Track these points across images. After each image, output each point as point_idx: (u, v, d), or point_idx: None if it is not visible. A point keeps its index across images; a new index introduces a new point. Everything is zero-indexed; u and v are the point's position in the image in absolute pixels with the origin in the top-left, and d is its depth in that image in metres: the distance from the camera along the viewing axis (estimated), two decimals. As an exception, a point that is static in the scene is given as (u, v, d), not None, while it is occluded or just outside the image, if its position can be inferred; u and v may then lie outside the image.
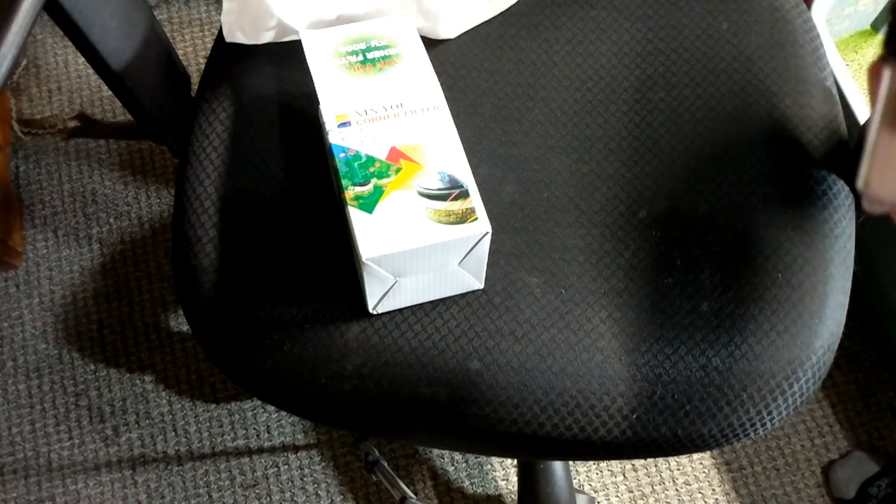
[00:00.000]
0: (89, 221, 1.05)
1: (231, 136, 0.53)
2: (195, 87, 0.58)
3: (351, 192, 0.43)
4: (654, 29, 0.57)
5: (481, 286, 0.49)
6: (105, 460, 0.94)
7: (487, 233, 0.42)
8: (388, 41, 0.49)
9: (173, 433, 0.95)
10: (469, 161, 0.53)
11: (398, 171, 0.44)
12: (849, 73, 0.86)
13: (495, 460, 0.94)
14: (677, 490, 0.93)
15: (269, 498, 0.92)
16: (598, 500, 0.92)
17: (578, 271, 0.50)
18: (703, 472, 0.94)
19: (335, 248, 0.50)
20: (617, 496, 0.93)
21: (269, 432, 0.95)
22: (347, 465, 0.94)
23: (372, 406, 0.47)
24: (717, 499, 0.92)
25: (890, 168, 0.34)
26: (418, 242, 0.41)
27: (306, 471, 0.93)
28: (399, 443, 0.94)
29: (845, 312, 0.50)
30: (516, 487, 0.88)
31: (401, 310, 0.48)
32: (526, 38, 0.57)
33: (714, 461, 0.94)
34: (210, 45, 1.12)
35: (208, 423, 0.95)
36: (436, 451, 0.94)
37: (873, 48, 1.06)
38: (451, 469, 0.93)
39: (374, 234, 0.42)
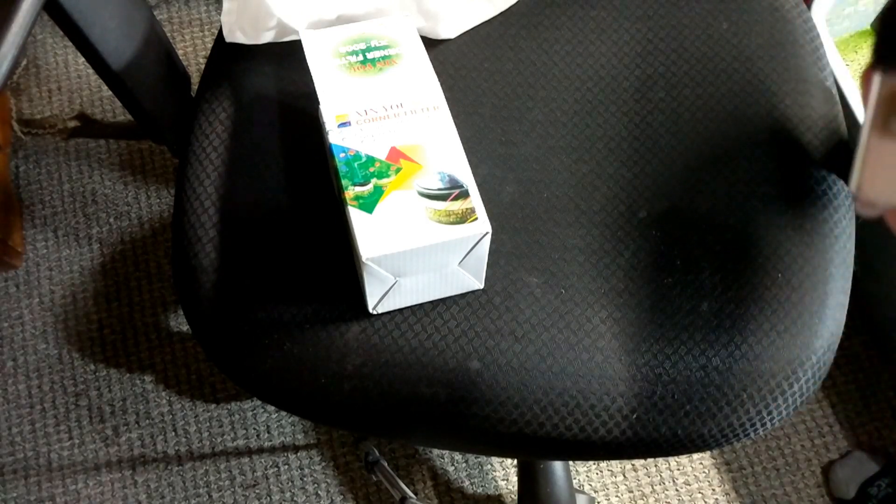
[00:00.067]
0: (89, 221, 1.05)
1: (231, 136, 0.53)
2: (195, 87, 0.58)
3: (351, 192, 0.43)
4: (654, 29, 0.57)
5: (481, 286, 0.49)
6: (105, 460, 0.94)
7: (487, 233, 0.42)
8: (388, 41, 0.49)
9: (173, 433, 0.95)
10: (469, 161, 0.53)
11: (398, 171, 0.44)
12: (849, 73, 0.86)
13: (495, 460, 0.94)
14: (677, 490, 0.93)
15: (269, 498, 0.92)
16: (598, 500, 0.92)
17: (578, 271, 0.50)
18: (703, 472, 0.94)
19: (335, 248, 0.50)
20: (617, 496, 0.93)
21: (269, 432, 0.95)
22: (347, 465, 0.94)
23: (372, 406, 0.47)
24: (717, 499, 0.92)
25: (880, 172, 0.35)
26: (418, 242, 0.41)
27: (306, 471, 0.93)
28: (399, 443, 0.94)
29: (845, 312, 0.50)
30: (516, 487, 0.88)
31: (401, 310, 0.48)
32: (526, 38, 0.57)
33: (714, 461, 0.94)
34: (210, 45, 1.12)
35: (208, 423, 0.95)
36: (436, 451, 0.94)
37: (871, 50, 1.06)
38: (451, 469, 0.93)
39: (374, 234, 0.42)
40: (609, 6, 0.58)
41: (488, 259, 0.50)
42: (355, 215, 0.42)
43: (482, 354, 0.47)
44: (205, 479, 0.93)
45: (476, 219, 0.42)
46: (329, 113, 0.46)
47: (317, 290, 0.49)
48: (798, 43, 0.56)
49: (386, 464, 0.88)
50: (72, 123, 1.07)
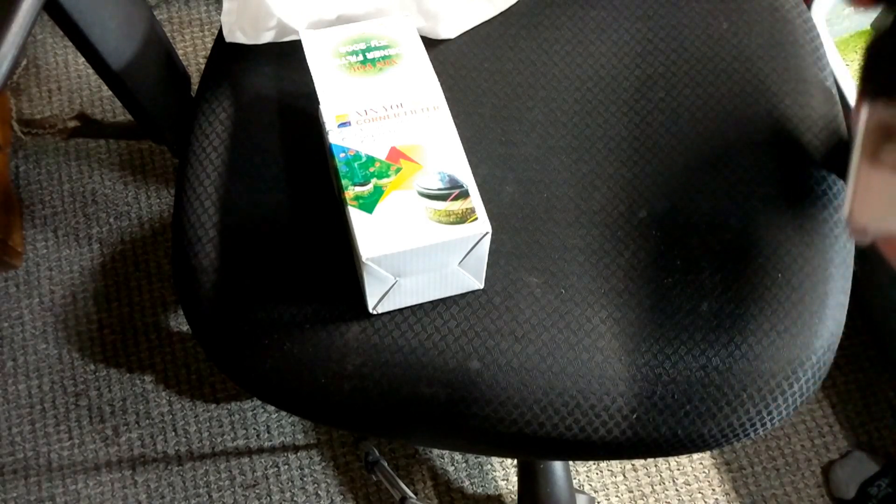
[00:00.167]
0: (89, 221, 1.05)
1: (231, 136, 0.53)
2: (195, 87, 0.58)
3: (351, 192, 0.43)
4: (654, 29, 0.57)
5: (481, 286, 0.49)
6: (105, 460, 0.94)
7: (487, 233, 0.42)
8: (388, 41, 0.49)
9: (173, 433, 0.95)
10: (469, 161, 0.53)
11: (398, 171, 0.44)
12: (849, 73, 0.86)
13: (495, 460, 0.94)
14: (677, 490, 0.93)
15: (269, 498, 0.92)
16: (598, 500, 0.92)
17: (578, 271, 0.50)
18: (703, 472, 0.94)
19: (335, 248, 0.50)
20: (617, 496, 0.93)
21: (269, 432, 0.95)
22: (347, 465, 0.94)
23: (372, 406, 0.47)
24: (717, 499, 0.92)
25: (870, 200, 0.36)
26: (418, 242, 0.41)
27: (306, 471, 0.93)
28: (399, 443, 0.94)
29: (845, 312, 0.50)
30: (516, 487, 0.88)
31: (401, 310, 0.48)
32: (526, 38, 0.57)
33: (714, 461, 0.94)
34: (210, 45, 1.12)
35: (208, 423, 0.95)
36: (436, 451, 0.94)
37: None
38: (451, 469, 0.93)
39: (374, 234, 0.42)
40: (609, 6, 0.58)
41: (488, 259, 0.50)
42: (355, 215, 0.42)
43: (482, 354, 0.47)
44: (205, 479, 0.93)
45: (476, 219, 0.42)
46: (329, 113, 0.46)
47: (316, 290, 0.49)
48: (798, 43, 0.56)
49: (386, 464, 0.88)
50: (72, 123, 1.07)
